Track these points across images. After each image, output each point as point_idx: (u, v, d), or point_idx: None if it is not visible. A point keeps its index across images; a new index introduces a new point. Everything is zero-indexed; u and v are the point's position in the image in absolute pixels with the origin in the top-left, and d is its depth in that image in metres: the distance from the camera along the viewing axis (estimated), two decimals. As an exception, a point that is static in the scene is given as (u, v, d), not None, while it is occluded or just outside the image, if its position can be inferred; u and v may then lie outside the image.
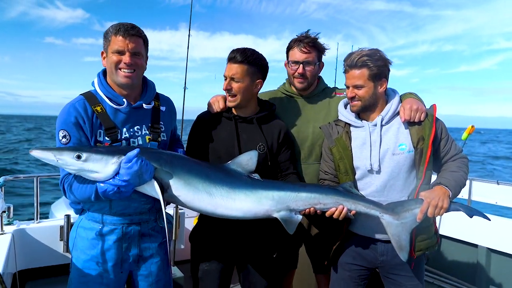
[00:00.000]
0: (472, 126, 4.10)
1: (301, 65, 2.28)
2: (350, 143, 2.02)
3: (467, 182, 3.94)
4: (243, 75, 1.99)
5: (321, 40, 2.33)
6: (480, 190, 3.85)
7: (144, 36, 1.81)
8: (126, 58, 1.74)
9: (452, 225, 3.75)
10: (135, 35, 1.75)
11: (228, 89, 2.02)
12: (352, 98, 1.96)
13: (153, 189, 1.67)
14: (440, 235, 3.90)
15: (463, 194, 3.86)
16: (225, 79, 2.03)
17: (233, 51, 2.01)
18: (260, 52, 2.05)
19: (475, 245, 3.63)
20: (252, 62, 1.99)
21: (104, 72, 1.85)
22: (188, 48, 3.17)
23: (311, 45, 2.27)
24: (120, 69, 1.75)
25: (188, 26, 3.39)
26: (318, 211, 1.86)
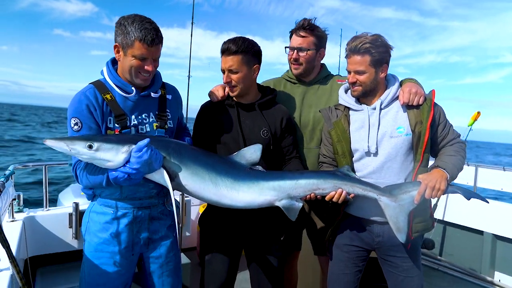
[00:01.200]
0: (478, 112, 4.07)
1: (295, 51, 2.33)
2: (349, 127, 2.06)
3: (473, 168, 3.94)
4: (239, 64, 2.01)
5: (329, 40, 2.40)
6: (486, 177, 3.84)
7: (162, 39, 1.82)
8: (149, 65, 1.77)
9: (458, 212, 3.75)
10: (159, 43, 1.77)
11: (228, 82, 2.05)
12: (353, 83, 1.99)
13: (162, 177, 1.73)
14: (445, 221, 3.91)
15: (469, 180, 3.86)
16: (223, 73, 2.06)
17: (225, 43, 2.02)
18: (250, 38, 2.07)
19: (481, 232, 3.63)
20: (245, 50, 2.01)
21: (113, 61, 1.89)
22: (191, 33, 3.18)
23: (307, 29, 2.30)
24: (139, 72, 1.79)
25: (192, 22, 3.36)
26: (318, 196, 1.91)
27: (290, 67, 2.45)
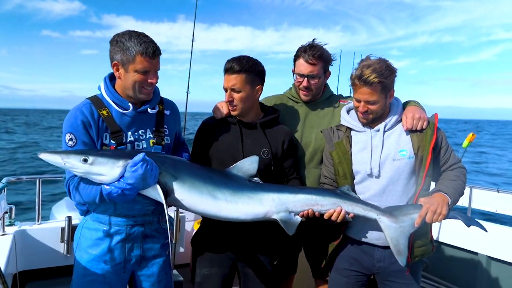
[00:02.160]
0: (473, 134, 4.11)
1: (305, 78, 2.27)
2: (350, 148, 2.05)
3: (468, 190, 3.95)
4: (242, 84, 2.00)
5: (327, 46, 2.31)
6: (480, 198, 3.85)
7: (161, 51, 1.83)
8: (152, 78, 1.77)
9: (452, 232, 3.75)
10: (159, 55, 1.78)
11: (230, 101, 2.03)
12: (365, 113, 1.96)
13: (157, 193, 1.71)
14: (440, 242, 3.90)
15: (463, 202, 3.86)
16: (226, 91, 2.04)
17: (229, 62, 2.00)
18: (255, 58, 2.05)
19: (475, 253, 3.63)
20: (249, 70, 2.00)
21: (110, 76, 1.87)
22: (191, 52, 3.19)
23: (316, 56, 2.24)
24: (143, 87, 1.78)
25: (192, 40, 3.33)
26: (316, 213, 1.88)
27: (295, 90, 2.40)
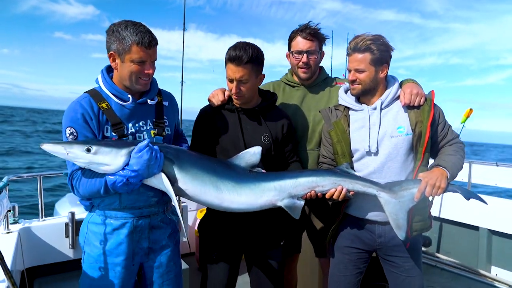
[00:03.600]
0: (471, 109, 4.11)
1: (305, 54, 2.30)
2: (348, 127, 2.06)
3: (467, 164, 3.97)
4: (249, 75, 1.96)
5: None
6: (480, 173, 3.88)
7: (157, 41, 1.81)
8: (148, 68, 1.75)
9: (453, 208, 3.79)
10: (155, 45, 1.76)
11: (237, 92, 1.98)
12: (353, 81, 1.99)
13: (161, 182, 1.71)
14: (441, 218, 3.94)
15: (463, 177, 3.89)
16: (231, 82, 1.97)
17: (234, 50, 1.93)
18: (255, 44, 2.01)
19: (476, 227, 3.67)
20: (255, 60, 1.96)
21: (108, 69, 1.86)
22: (183, 39, 3.18)
23: (313, 33, 2.29)
24: (140, 77, 1.77)
25: (184, 29, 3.32)
26: (318, 194, 1.91)
27: (294, 72, 2.42)
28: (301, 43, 2.31)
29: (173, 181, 1.75)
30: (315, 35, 2.30)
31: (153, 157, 1.62)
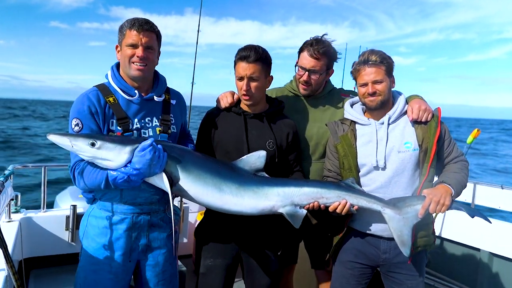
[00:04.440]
0: (478, 130, 4.09)
1: (306, 73, 2.25)
2: (355, 141, 2.06)
3: (471, 186, 3.94)
4: (260, 73, 1.98)
5: (334, 44, 2.29)
6: (484, 194, 3.84)
7: (157, 32, 1.86)
8: (139, 51, 1.78)
9: (455, 228, 3.75)
10: (148, 30, 1.80)
11: (247, 89, 1.99)
12: (373, 94, 1.98)
13: (162, 182, 1.71)
14: (442, 237, 3.90)
15: (467, 198, 3.85)
16: (241, 80, 1.99)
17: (245, 50, 1.98)
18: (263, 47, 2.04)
19: (477, 249, 3.63)
20: (265, 60, 1.99)
21: (118, 65, 1.90)
22: (196, 45, 3.19)
23: (321, 52, 2.21)
24: (133, 62, 1.80)
25: (198, 30, 3.31)
26: (321, 205, 1.90)
27: (296, 83, 2.39)
28: (305, 59, 2.25)
29: (175, 181, 1.75)
30: (323, 53, 2.22)
31: (155, 156, 1.63)
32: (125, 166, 1.64)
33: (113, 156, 1.63)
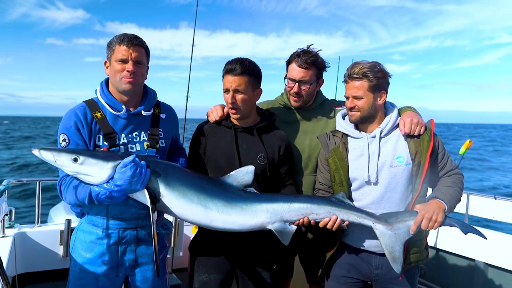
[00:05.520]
0: (470, 141, 4.12)
1: (296, 84, 2.24)
2: (347, 154, 2.03)
3: (464, 196, 3.97)
4: (246, 85, 1.98)
5: (322, 53, 2.28)
6: (477, 205, 3.86)
7: (146, 47, 1.89)
8: (129, 66, 1.80)
9: (450, 238, 3.76)
10: (138, 45, 1.83)
11: (233, 102, 1.99)
12: (351, 108, 1.98)
13: (145, 198, 1.70)
14: (437, 248, 3.90)
15: (460, 208, 3.87)
16: (227, 92, 2.00)
17: (231, 63, 1.98)
18: (252, 60, 2.04)
19: (472, 260, 3.64)
20: (251, 72, 1.99)
21: (107, 81, 1.92)
22: (191, 58, 3.21)
23: (309, 62, 2.21)
24: (123, 77, 1.81)
25: (192, 45, 3.33)
26: (311, 221, 1.87)
27: (286, 96, 2.37)
28: (295, 71, 2.23)
29: (158, 197, 1.72)
30: (312, 63, 2.21)
31: (137, 173, 1.62)
32: (107, 182, 1.64)
33: (95, 172, 1.63)
